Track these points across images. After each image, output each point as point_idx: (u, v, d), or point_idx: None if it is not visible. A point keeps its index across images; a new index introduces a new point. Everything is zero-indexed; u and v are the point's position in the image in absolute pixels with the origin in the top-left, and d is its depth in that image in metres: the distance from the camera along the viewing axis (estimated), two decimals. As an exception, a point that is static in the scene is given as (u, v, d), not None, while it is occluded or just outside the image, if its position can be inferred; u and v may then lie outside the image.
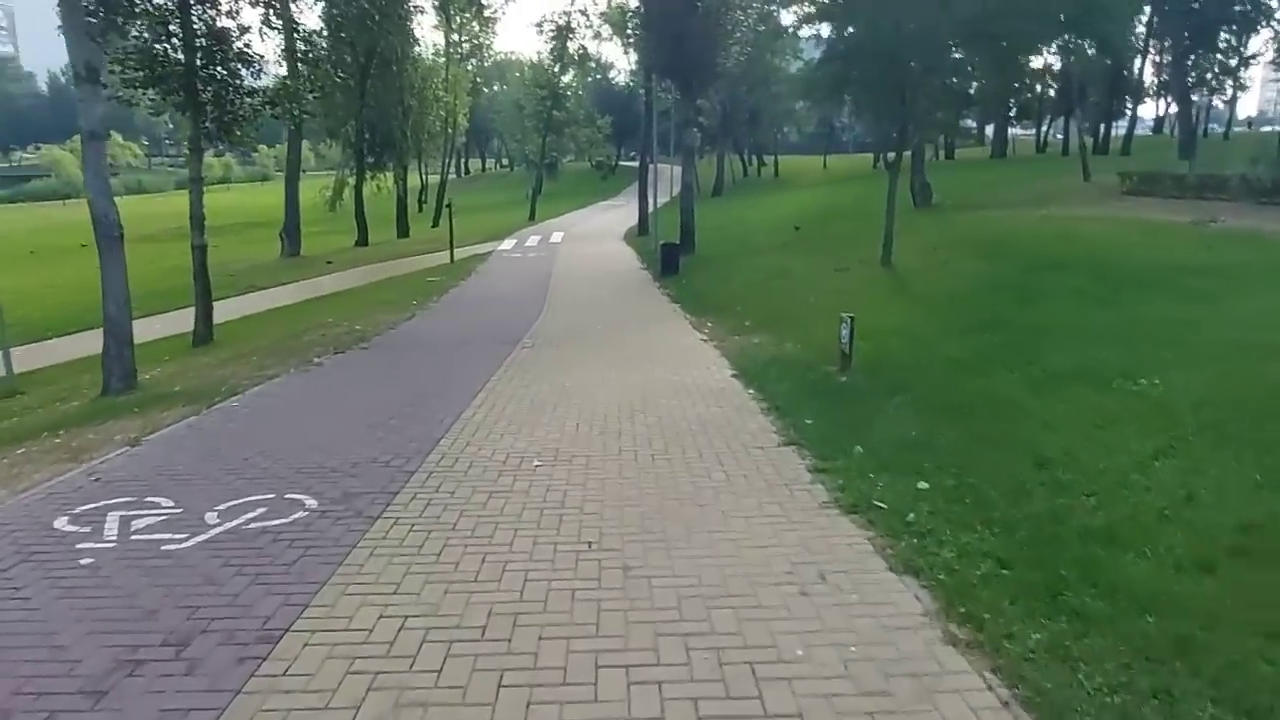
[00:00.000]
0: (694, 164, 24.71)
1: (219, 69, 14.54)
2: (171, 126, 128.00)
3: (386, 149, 34.16)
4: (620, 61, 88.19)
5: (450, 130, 45.75)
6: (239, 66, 15.12)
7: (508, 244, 31.16)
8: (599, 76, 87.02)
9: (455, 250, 27.02)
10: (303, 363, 10.43)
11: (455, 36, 48.46)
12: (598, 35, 50.57)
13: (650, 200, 32.60)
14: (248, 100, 15.18)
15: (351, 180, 34.87)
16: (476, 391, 8.39)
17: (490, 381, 8.88)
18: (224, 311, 19.64)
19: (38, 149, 75.92)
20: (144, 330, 18.26)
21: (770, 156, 70.09)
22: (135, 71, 14.22)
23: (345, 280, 23.79)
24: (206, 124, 15.03)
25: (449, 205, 25.69)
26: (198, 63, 14.46)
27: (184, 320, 17.51)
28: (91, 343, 17.85)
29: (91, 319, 20.86)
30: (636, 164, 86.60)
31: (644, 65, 30.04)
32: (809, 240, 22.85)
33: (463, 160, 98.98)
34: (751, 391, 8.16)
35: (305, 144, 66.89)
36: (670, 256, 20.57)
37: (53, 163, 73.47)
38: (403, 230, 37.97)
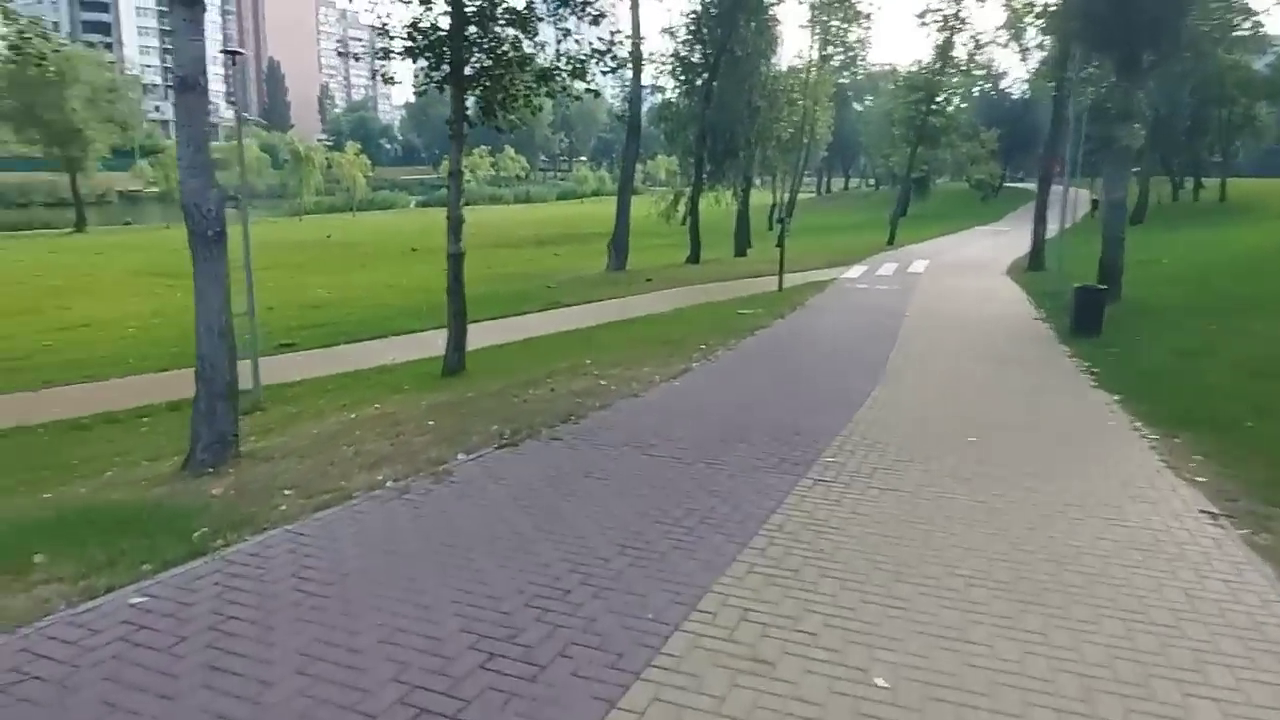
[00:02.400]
0: (1126, 176, 17.31)
1: (482, 34, 11.30)
2: (566, 141, 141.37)
3: (728, 157, 30.46)
4: (1016, 70, 76.92)
5: (806, 140, 41.19)
6: (515, 32, 11.80)
7: (855, 271, 25.71)
8: (987, 87, 77.04)
9: (788, 276, 22.30)
10: (437, 461, 6.26)
11: (821, 39, 43.86)
12: (988, 41, 42.09)
13: (1047, 227, 25.13)
14: (520, 75, 11.81)
15: (688, 191, 31.73)
16: (639, 671, 3.41)
17: (699, 613, 3.84)
18: (510, 330, 17.11)
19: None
20: (424, 346, 16.07)
21: (1197, 179, 55.24)
22: (395, 40, 11.59)
23: (652, 303, 20.24)
24: (468, 105, 11.97)
25: (781, 221, 20.98)
26: (467, 27, 11.36)
27: (475, 335, 15.03)
28: (374, 353, 16.14)
29: (400, 324, 19.62)
30: (1024, 184, 75.04)
31: (1061, 35, 22.70)
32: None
33: (824, 178, 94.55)
34: None
35: (668, 160, 67.11)
36: (1089, 306, 13.76)
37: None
38: (740, 248, 34.19)
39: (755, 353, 11.95)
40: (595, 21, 12.31)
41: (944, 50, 35.71)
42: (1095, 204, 47.94)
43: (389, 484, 5.67)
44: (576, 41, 12.19)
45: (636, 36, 27.08)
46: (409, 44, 11.11)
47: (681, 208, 32.80)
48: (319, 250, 40.85)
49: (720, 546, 4.64)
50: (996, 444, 7.22)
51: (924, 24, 35.55)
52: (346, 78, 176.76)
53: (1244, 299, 15.71)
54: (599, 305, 20.54)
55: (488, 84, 11.81)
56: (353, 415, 9.77)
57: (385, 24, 11.35)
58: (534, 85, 11.99)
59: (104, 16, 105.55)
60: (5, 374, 13.71)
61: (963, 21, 34.60)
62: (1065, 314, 15.52)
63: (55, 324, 18.90)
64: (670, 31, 29.60)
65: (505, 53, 11.60)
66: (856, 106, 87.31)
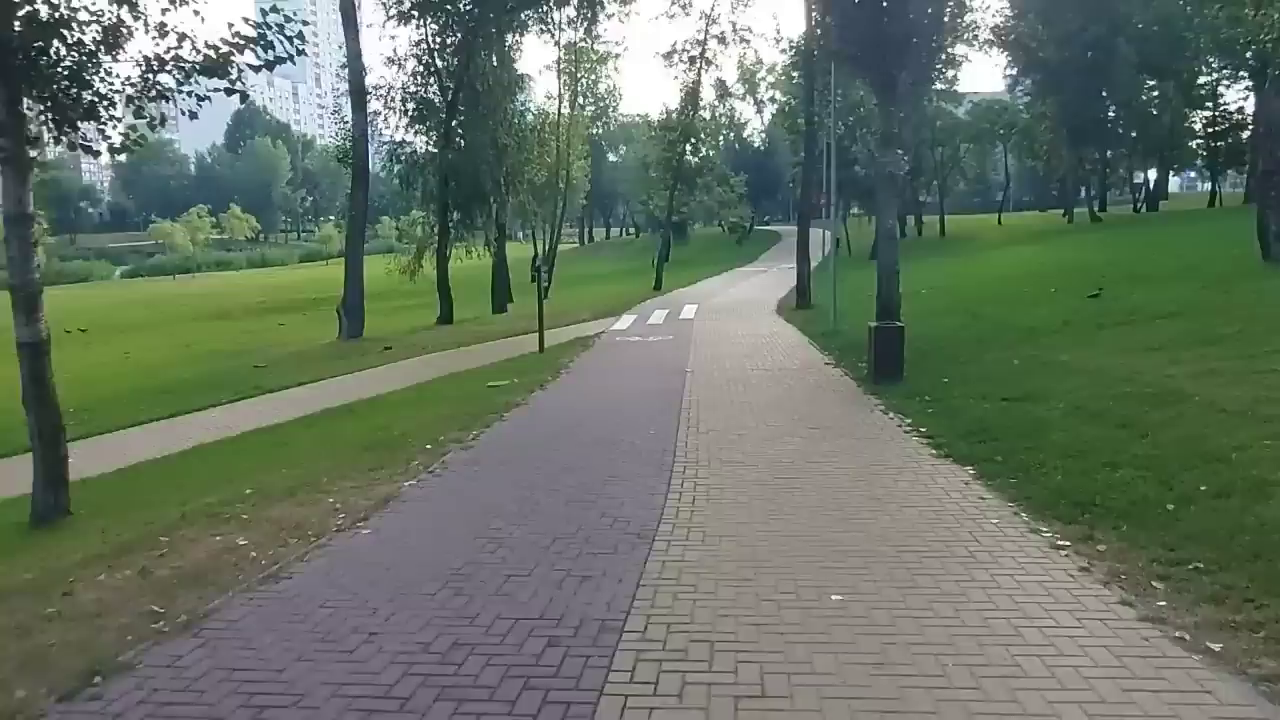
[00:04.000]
0: (896, 204, 16.17)
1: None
2: (310, 199, 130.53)
3: (476, 202, 27.16)
4: (754, 121, 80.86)
5: (563, 185, 38.95)
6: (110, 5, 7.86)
7: (624, 321, 23.36)
8: (730, 135, 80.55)
9: (553, 331, 19.49)
10: None
11: (571, 89, 42.22)
12: (724, 94, 42.56)
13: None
14: (101, 77, 7.88)
15: (434, 243, 27.98)
16: None
17: None
18: (179, 435, 12.63)
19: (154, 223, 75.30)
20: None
21: (918, 215, 59.94)
22: None
23: (385, 379, 16.39)
24: (24, 112, 7.83)
25: (538, 270, 18.03)
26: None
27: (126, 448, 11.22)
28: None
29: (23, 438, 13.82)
30: (770, 227, 78.63)
31: (813, 52, 21.88)
32: (1122, 315, 13.68)
33: (585, 228, 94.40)
34: None
35: (422, 213, 62.62)
36: (888, 348, 11.90)
37: (165, 237, 72.28)
38: (499, 305, 30.96)
39: (499, 452, 8.63)
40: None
41: (694, 91, 35.07)
42: (838, 242, 50.28)
43: None
44: (197, 12, 8.38)
45: (355, 65, 23.36)
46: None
47: (428, 263, 28.96)
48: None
49: None
50: (876, 596, 4.45)
51: (670, 64, 34.76)
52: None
53: (1022, 327, 14.77)
54: (314, 388, 16.32)
55: (64, 80, 7.78)
56: None
57: None
58: (140, 82, 8.06)
59: None
60: None
61: (709, 62, 34.13)
62: (854, 355, 13.87)
63: None
64: (397, 62, 26.05)
65: (79, 36, 7.63)
66: (612, 157, 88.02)
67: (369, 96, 24.65)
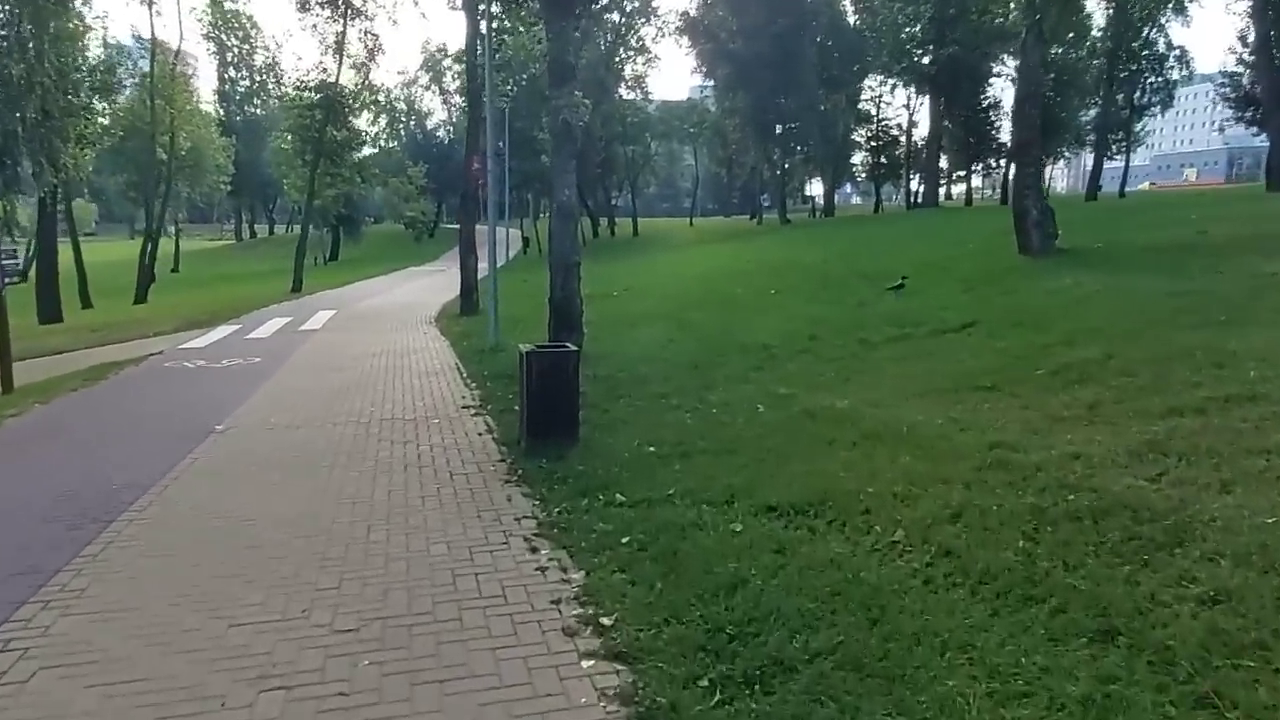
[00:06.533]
0: (573, 168, 11.29)
1: None
2: None
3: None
4: (440, 113, 73.57)
5: (166, 155, 29.77)
6: None
7: (213, 335, 16.32)
8: (410, 124, 72.97)
9: (94, 351, 12.24)
10: None
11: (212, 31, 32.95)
12: (376, 50, 35.85)
13: (481, 261, 18.97)
14: None
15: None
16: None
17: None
18: None
19: None
20: None
21: (611, 217, 57.49)
22: None
23: None
24: None
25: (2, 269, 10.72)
26: None
27: None
28: None
29: None
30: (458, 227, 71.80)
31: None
32: (889, 327, 9.72)
33: (243, 220, 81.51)
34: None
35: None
36: (554, 388, 6.63)
37: None
38: (50, 311, 21.85)
39: None
40: None
41: (340, 45, 28.05)
42: (526, 242, 45.78)
43: None
44: None
45: None
46: None
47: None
48: None
49: None
50: None
51: (307, 10, 27.47)
52: None
53: (753, 344, 10.48)
54: None
55: None
56: None
57: None
58: None
59: None
60: None
61: (355, 10, 27.31)
62: (511, 386, 8.70)
63: None
64: None
65: None
66: (284, 146, 76.00)
67: None
